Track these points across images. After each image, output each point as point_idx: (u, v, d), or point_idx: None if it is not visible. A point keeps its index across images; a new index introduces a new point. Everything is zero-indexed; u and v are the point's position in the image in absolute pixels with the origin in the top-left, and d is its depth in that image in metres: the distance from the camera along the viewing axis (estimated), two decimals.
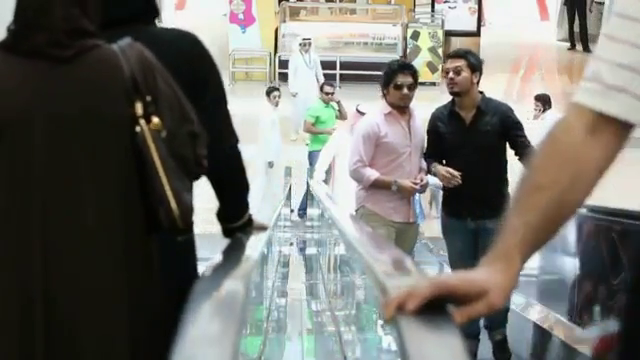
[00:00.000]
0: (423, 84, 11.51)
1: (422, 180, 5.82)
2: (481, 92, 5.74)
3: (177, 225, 2.22)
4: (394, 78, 5.75)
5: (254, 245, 2.74)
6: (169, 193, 2.19)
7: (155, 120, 2.18)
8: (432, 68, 18.32)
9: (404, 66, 5.97)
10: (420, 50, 19.16)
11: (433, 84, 17.62)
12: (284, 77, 18.78)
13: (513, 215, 1.58)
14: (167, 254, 2.31)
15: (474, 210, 5.63)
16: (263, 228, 3.02)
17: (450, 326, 1.44)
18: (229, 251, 2.62)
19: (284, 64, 18.73)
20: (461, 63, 5.63)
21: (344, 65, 18.48)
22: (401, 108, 5.81)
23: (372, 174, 5.79)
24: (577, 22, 21.56)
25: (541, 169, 1.60)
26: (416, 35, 19.32)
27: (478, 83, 5.69)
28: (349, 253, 4.05)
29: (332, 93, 12.36)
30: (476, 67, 5.66)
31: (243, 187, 2.78)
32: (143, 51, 2.24)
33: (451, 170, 5.61)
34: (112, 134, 2.19)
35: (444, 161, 5.78)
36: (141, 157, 2.17)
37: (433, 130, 5.79)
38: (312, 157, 11.56)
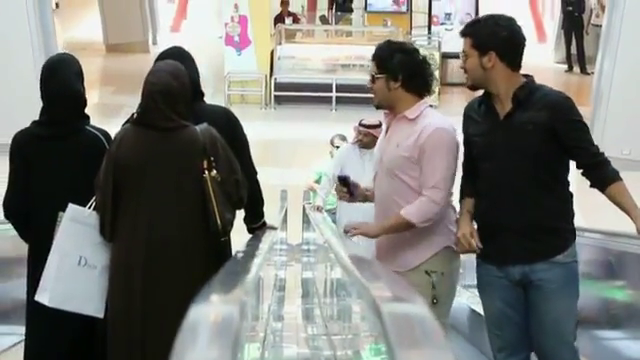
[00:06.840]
0: None
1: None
2: (526, 76, 4.10)
3: (219, 231, 3.91)
4: None
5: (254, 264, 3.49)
6: (216, 212, 3.87)
7: (213, 172, 3.88)
8: None
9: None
10: None
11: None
12: (279, 100, 18.82)
13: None
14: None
15: (516, 250, 3.93)
16: (273, 228, 4.71)
17: (443, 347, 1.42)
18: (246, 247, 4.09)
19: (280, 87, 18.78)
20: (465, 45, 4.07)
21: (340, 88, 18.49)
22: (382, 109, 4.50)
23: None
24: (574, 44, 21.64)
25: None
26: None
27: (511, 64, 4.04)
28: (345, 277, 3.98)
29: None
30: (485, 45, 3.99)
31: (260, 203, 4.40)
32: (212, 130, 3.94)
33: (466, 233, 4.02)
34: (190, 177, 3.90)
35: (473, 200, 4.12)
36: (203, 191, 3.87)
37: (466, 137, 4.17)
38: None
